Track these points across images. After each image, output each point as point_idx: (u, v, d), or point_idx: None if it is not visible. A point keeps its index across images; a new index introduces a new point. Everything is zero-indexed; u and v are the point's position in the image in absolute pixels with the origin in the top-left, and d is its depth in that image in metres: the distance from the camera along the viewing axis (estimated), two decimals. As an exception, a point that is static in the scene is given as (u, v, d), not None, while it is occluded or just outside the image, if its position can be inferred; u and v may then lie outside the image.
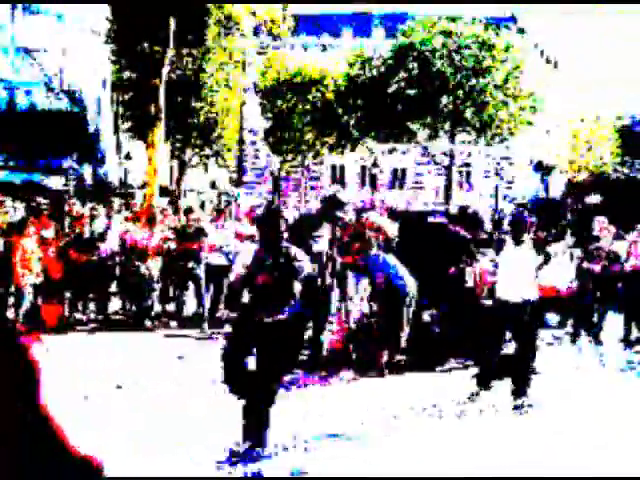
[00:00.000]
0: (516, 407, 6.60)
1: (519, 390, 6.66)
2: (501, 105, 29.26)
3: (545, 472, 5.02)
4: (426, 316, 9.46)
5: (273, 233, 5.27)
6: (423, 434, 5.86)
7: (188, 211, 12.03)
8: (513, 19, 39.90)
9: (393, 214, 11.47)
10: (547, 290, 10.83)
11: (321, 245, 8.63)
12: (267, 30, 21.32)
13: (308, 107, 32.45)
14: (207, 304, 10.85)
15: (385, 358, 8.04)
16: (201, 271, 10.79)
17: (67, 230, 11.47)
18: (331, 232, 9.09)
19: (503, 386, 6.87)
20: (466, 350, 8.10)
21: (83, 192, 21.47)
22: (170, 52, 18.14)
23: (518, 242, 6.87)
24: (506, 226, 7.22)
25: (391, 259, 8.30)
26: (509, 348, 7.09)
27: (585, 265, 10.37)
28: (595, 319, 10.37)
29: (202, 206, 28.20)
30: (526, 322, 6.76)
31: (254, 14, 20.42)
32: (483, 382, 6.88)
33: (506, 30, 31.07)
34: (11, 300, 10.18)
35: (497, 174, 39.85)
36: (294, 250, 5.32)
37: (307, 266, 5.32)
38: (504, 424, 6.23)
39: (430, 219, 9.45)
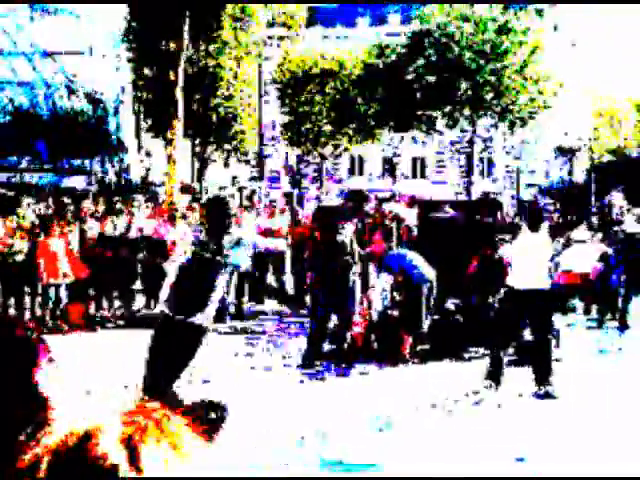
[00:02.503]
0: (539, 395, 6.55)
1: (541, 378, 6.59)
2: (521, 88, 28.88)
3: (565, 462, 4.99)
4: (449, 304, 9.43)
5: (218, 220, 5.11)
6: (444, 424, 5.84)
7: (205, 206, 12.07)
8: (531, 1, 39.28)
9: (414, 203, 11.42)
10: (572, 276, 10.72)
11: (344, 236, 8.61)
12: (281, 23, 21.31)
13: (326, 98, 32.36)
14: (229, 298, 10.91)
15: (408, 347, 8.04)
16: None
17: (90, 230, 11.58)
18: (356, 226, 9.08)
19: (525, 374, 6.82)
20: (487, 339, 8.06)
21: (106, 191, 21.68)
22: (186, 48, 18.19)
23: (534, 229, 6.73)
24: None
25: (406, 251, 8.26)
26: (527, 337, 7.02)
27: (608, 249, 10.25)
28: (620, 303, 10.25)
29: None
30: (542, 311, 6.64)
31: (266, 4, 20.40)
32: (493, 376, 6.79)
33: (524, 12, 30.57)
34: (37, 299, 10.33)
35: (518, 159, 39.42)
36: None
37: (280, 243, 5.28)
38: (525, 413, 6.19)
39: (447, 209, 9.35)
